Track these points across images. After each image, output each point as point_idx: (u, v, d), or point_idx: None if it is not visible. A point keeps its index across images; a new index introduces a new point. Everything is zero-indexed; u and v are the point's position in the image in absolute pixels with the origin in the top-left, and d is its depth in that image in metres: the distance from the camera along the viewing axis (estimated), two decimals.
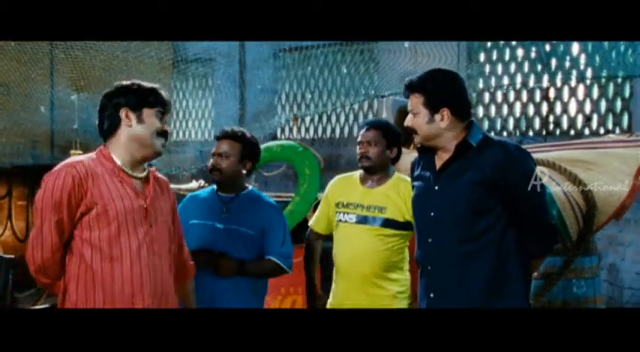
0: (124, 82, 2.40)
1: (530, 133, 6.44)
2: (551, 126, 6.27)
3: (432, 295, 2.50)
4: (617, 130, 5.74)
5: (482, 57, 6.51)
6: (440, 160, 2.53)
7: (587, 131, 6.00)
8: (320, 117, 7.94)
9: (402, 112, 6.99)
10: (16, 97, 6.61)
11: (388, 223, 3.10)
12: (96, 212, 2.24)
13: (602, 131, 5.88)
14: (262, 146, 5.35)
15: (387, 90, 6.60)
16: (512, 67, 6.40)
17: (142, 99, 2.35)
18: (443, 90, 2.48)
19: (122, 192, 2.29)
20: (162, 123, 2.37)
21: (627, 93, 5.82)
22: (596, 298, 3.95)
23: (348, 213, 3.18)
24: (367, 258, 3.10)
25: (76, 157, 2.35)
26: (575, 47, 5.71)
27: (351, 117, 7.93)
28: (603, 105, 5.93)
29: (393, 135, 3.19)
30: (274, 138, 7.94)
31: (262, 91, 7.82)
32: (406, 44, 5.84)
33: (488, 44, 6.42)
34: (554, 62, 5.97)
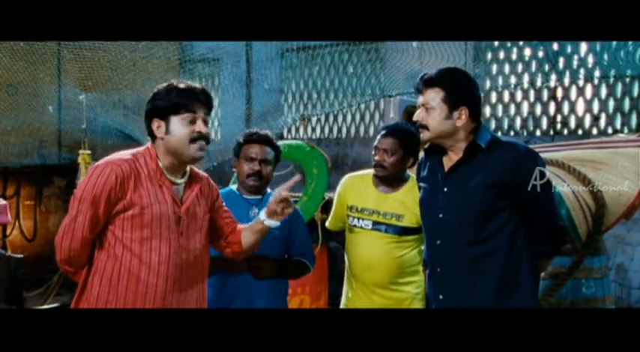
0: (160, 86, 2.38)
1: (538, 133, 6.42)
2: (558, 126, 6.24)
3: (441, 297, 2.48)
4: (626, 130, 5.71)
5: (489, 56, 6.48)
6: (449, 161, 2.51)
7: (595, 131, 5.97)
8: (327, 117, 7.93)
9: (409, 112, 6.98)
10: (24, 97, 6.61)
11: (405, 231, 3.07)
12: (132, 213, 2.25)
13: (610, 130, 5.85)
14: None
15: (394, 89, 6.58)
16: (520, 67, 6.37)
17: (168, 107, 2.31)
18: (464, 89, 2.46)
19: (160, 197, 2.30)
20: (193, 128, 2.32)
21: (636, 93, 5.79)
22: (605, 298, 3.94)
23: (363, 219, 3.13)
24: (383, 265, 3.07)
25: (124, 153, 2.35)
26: (583, 46, 5.68)
27: (358, 116, 7.91)
28: (611, 104, 5.90)
29: (412, 143, 3.09)
30: (281, 137, 7.94)
31: (269, 91, 7.81)
32: (414, 44, 5.82)
33: (496, 43, 6.40)
34: (561, 61, 5.94)
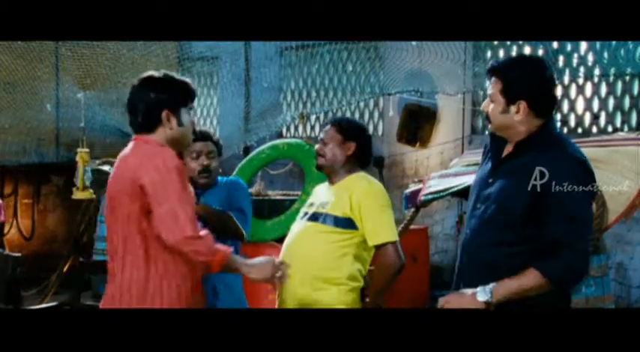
0: (157, 74, 2.41)
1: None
2: (558, 124, 6.23)
3: (461, 285, 2.39)
4: (626, 128, 5.69)
5: (489, 54, 6.47)
6: (506, 153, 2.38)
7: (595, 129, 5.96)
8: (326, 116, 7.92)
9: (409, 110, 6.98)
10: (22, 95, 6.60)
11: (326, 219, 2.86)
12: None
13: (610, 129, 5.83)
14: (269, 144, 5.37)
15: (393, 87, 6.57)
16: None
17: (181, 98, 2.39)
18: (524, 81, 2.29)
19: None
20: (192, 119, 2.45)
21: (636, 91, 5.78)
22: (605, 297, 3.92)
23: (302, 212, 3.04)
24: (299, 252, 2.87)
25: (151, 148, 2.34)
26: (583, 45, 5.68)
27: (357, 115, 7.90)
28: (611, 102, 5.88)
29: (350, 129, 2.98)
30: (280, 136, 7.93)
31: (268, 89, 7.80)
32: (413, 42, 5.81)
33: (495, 42, 6.38)
34: (561, 60, 5.93)
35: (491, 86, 2.34)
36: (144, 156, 2.27)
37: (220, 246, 2.31)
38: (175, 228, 2.17)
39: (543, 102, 2.32)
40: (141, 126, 2.37)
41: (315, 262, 2.83)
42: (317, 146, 3.01)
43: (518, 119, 2.29)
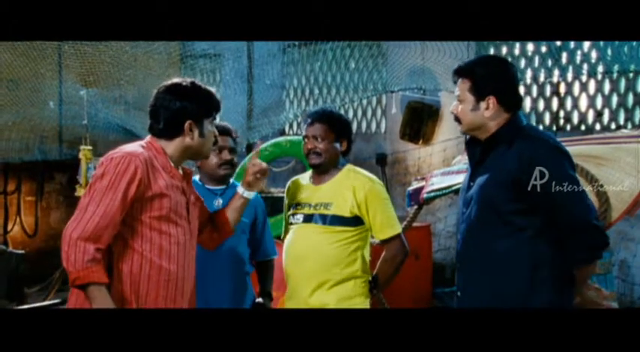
0: (184, 83, 2.39)
1: (541, 128, 6.39)
2: (561, 122, 6.22)
3: (459, 294, 2.45)
4: (629, 125, 5.68)
5: (491, 52, 6.46)
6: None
7: (598, 126, 5.94)
8: None
9: (412, 107, 6.98)
10: (25, 93, 6.62)
11: (334, 220, 2.88)
12: (154, 204, 2.26)
13: (613, 126, 5.82)
14: (271, 141, 5.38)
15: (396, 85, 6.57)
16: (523, 62, 6.35)
17: (205, 110, 2.39)
18: (491, 77, 2.38)
19: (175, 187, 2.33)
20: (214, 129, 2.44)
21: (639, 88, 5.76)
22: (608, 295, 3.91)
23: (296, 214, 2.98)
24: (310, 257, 2.88)
25: (134, 147, 2.33)
26: (587, 42, 5.66)
27: (360, 112, 7.90)
28: (615, 100, 5.87)
29: (341, 125, 2.99)
30: (283, 133, 7.94)
31: (271, 87, 7.80)
32: None
33: None
34: (564, 57, 5.92)
35: (459, 87, 2.41)
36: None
37: (97, 271, 2.13)
38: (72, 222, 2.16)
39: (511, 96, 2.41)
40: (160, 133, 2.37)
41: (329, 264, 2.87)
42: (310, 144, 2.95)
43: (488, 115, 2.36)
